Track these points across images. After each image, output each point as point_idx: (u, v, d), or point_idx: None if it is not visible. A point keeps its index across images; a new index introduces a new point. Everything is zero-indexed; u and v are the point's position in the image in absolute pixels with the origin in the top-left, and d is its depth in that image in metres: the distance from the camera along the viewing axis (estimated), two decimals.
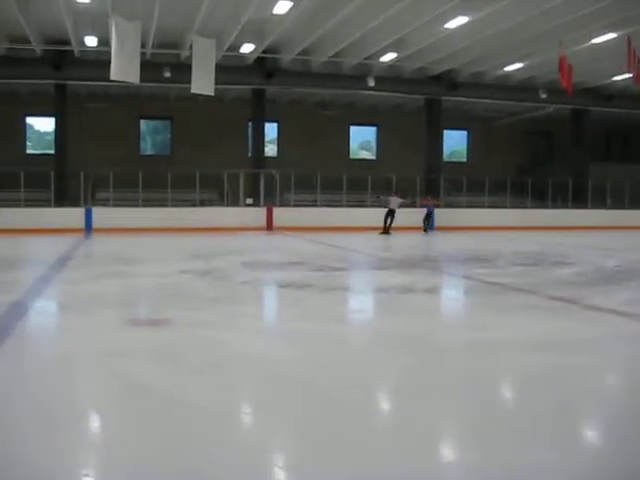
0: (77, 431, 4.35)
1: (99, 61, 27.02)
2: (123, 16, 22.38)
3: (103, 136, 35.88)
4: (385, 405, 5.19)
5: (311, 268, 14.10)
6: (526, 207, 35.96)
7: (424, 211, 30.03)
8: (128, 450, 3.94)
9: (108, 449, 4.04)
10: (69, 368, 5.97)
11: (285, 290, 10.94)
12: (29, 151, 38.45)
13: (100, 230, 26.37)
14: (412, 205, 29.58)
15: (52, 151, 33.73)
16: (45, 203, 28.68)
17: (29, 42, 26.75)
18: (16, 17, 23.64)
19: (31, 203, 28.47)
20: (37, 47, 27.59)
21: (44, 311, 9.35)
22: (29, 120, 38.96)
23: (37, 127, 39.98)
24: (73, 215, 27.24)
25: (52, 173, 29.29)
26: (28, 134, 39.08)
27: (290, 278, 12.16)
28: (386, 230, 27.35)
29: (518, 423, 4.51)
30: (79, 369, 6.02)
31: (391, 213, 27.54)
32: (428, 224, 29.91)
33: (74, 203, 28.67)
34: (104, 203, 29.50)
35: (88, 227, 26.97)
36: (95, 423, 4.62)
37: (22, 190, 28.38)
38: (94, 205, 28.41)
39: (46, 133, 39.78)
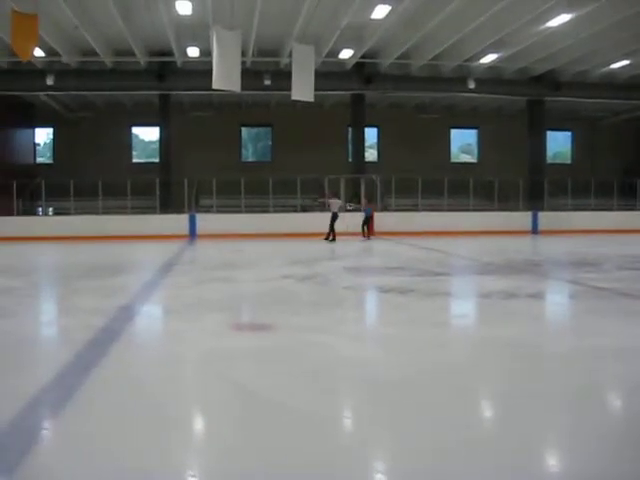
0: (183, 433, 4.40)
1: (201, 71, 27.59)
2: (223, 26, 22.78)
3: (206, 144, 36.65)
4: (485, 410, 5.05)
5: (413, 273, 13.96)
6: (635, 209, 34.65)
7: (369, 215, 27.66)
8: (231, 452, 3.95)
9: (212, 450, 4.07)
10: (176, 371, 6.06)
11: (387, 295, 10.84)
12: (135, 160, 39.64)
13: (204, 236, 26.93)
14: (357, 209, 28.53)
15: (157, 159, 34.65)
16: (151, 210, 29.45)
17: (134, 55, 27.58)
18: (121, 31, 24.42)
19: (137, 210, 29.30)
20: (141, 59, 28.39)
21: (151, 315, 9.56)
22: (134, 130, 40.17)
23: (142, 136, 41.20)
24: (177, 221, 27.89)
25: (157, 181, 30.08)
26: (134, 143, 40.31)
27: (392, 283, 12.05)
28: (329, 236, 25.33)
29: (626, 433, 4.30)
30: (185, 372, 6.10)
31: (334, 217, 25.41)
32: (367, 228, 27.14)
33: (178, 210, 29.35)
34: (207, 209, 30.09)
35: (192, 233, 27.56)
36: (200, 425, 4.68)
37: (129, 198, 29.27)
38: (198, 211, 29.01)
39: (151, 142, 40.95)
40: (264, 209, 30.76)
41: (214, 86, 22.47)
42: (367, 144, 37.44)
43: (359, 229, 26.77)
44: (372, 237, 26.92)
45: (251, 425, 4.45)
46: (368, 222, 27.04)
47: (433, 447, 4.01)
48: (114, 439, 4.25)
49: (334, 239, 25.02)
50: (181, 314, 9.10)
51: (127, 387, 5.53)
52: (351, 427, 4.63)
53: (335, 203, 25.71)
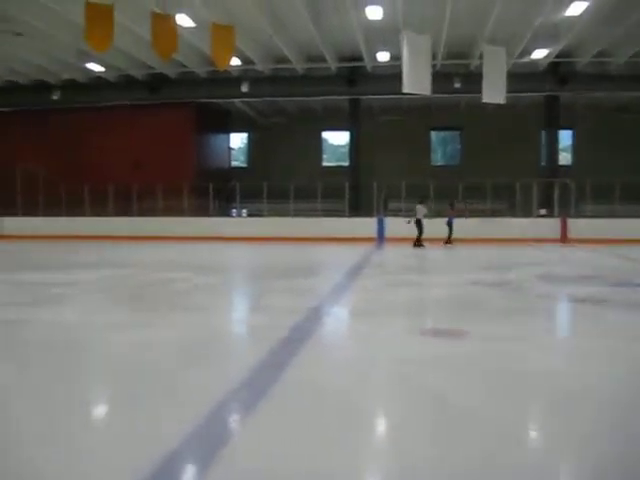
0: (371, 436, 4.37)
1: (391, 75, 27.71)
2: (414, 30, 22.75)
3: (395, 148, 36.81)
4: None
5: (609, 283, 13.23)
6: None
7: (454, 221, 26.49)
8: (420, 460, 3.87)
9: (392, 454, 4.00)
10: (365, 373, 6.05)
11: (582, 305, 10.34)
12: (325, 163, 40.45)
13: (391, 239, 26.97)
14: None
15: (346, 163, 35.15)
16: (340, 213, 29.92)
17: (324, 60, 28.14)
18: (312, 38, 25.00)
19: (327, 213, 29.86)
20: (332, 65, 28.92)
21: (340, 317, 9.65)
22: (324, 134, 41.01)
23: (331, 141, 41.97)
24: (366, 225, 28.12)
25: (346, 184, 30.51)
26: (323, 147, 41.16)
27: (587, 292, 11.48)
28: (417, 241, 24.64)
29: None
30: (374, 375, 6.08)
31: (418, 223, 24.55)
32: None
33: (367, 213, 29.60)
34: (396, 213, 30.11)
35: (380, 236, 27.68)
36: (388, 430, 4.62)
37: (319, 201, 29.90)
38: (386, 215, 29.11)
39: (339, 146, 41.65)
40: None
41: (404, 90, 22.47)
42: (560, 147, 36.05)
43: (548, 236, 26.01)
44: (449, 245, 25.83)
45: (442, 432, 4.35)
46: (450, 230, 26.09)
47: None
48: (303, 440, 4.28)
49: (421, 244, 24.51)
50: (370, 317, 9.12)
51: (317, 388, 5.58)
52: (541, 440, 4.40)
53: (420, 210, 24.66)
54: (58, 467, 3.92)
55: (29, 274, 14.75)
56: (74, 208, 30.74)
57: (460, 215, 27.33)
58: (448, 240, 25.58)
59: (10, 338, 7.83)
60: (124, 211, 29.96)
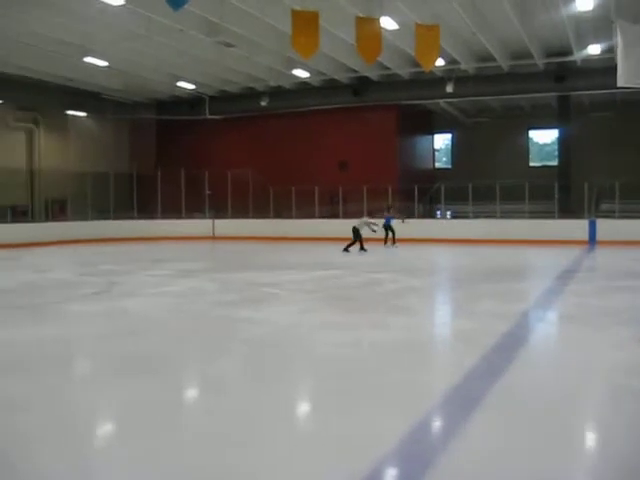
0: (574, 447, 4.12)
1: (603, 69, 26.32)
2: (628, 19, 21.47)
3: (607, 145, 34.96)
4: None
5: None
6: None
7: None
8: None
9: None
10: (581, 382, 5.75)
11: None
12: (531, 163, 39.24)
13: (604, 243, 25.64)
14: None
15: (553, 163, 33.73)
16: (548, 215, 28.85)
17: (531, 57, 27.25)
18: (518, 34, 24.26)
19: (535, 215, 28.89)
20: (539, 61, 27.96)
21: (553, 323, 9.29)
22: (531, 133, 39.80)
23: (535, 139, 40.62)
24: (576, 227, 26.92)
25: (555, 184, 29.40)
26: (529, 147, 39.93)
27: None
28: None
29: None
30: (589, 383, 5.76)
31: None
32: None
33: (577, 215, 28.35)
34: (608, 215, 28.60)
35: (591, 239, 26.40)
36: (594, 442, 4.33)
37: (526, 202, 29.00)
38: (597, 217, 27.73)
39: (545, 145, 40.23)
40: None
41: (619, 84, 21.21)
42: None
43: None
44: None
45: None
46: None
47: None
48: (515, 450, 4.12)
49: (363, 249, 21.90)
50: (585, 324, 8.70)
51: (530, 395, 5.38)
52: None
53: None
54: (272, 466, 4.01)
55: (239, 274, 15.41)
56: (281, 210, 31.87)
57: (401, 217, 26.10)
58: (393, 240, 24.60)
59: (222, 335, 8.19)
60: (330, 212, 30.66)
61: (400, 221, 24.67)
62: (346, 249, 21.34)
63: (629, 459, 4.07)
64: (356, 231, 21.72)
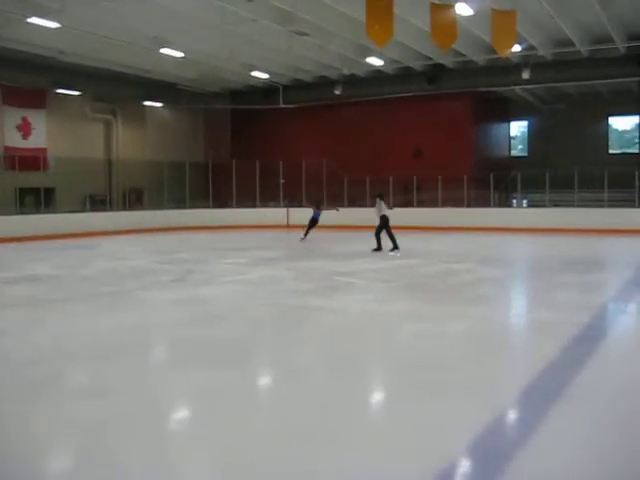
0: None
1: None
2: None
3: None
4: None
5: None
6: None
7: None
8: None
9: None
10: None
11: None
12: (610, 151, 38.25)
13: None
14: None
15: (634, 150, 32.75)
16: (628, 203, 28.10)
17: (612, 41, 26.51)
18: (598, 17, 23.60)
19: (614, 203, 28.16)
20: (620, 45, 27.19)
21: (634, 314, 9.04)
22: (610, 120, 38.77)
23: (615, 126, 39.52)
24: None
25: (635, 172, 28.59)
26: (609, 133, 38.90)
27: None
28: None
29: None
30: None
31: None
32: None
33: None
34: None
35: None
36: None
37: (605, 190, 28.28)
38: None
39: (624, 132, 39.12)
40: None
41: None
42: None
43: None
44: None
45: None
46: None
47: None
48: (596, 444, 4.02)
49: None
50: None
51: (613, 393, 5.25)
52: None
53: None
54: (348, 458, 4.00)
55: (315, 262, 15.46)
56: (356, 199, 31.79)
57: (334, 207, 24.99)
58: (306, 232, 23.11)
59: (298, 323, 8.22)
60: (405, 201, 30.46)
61: (335, 210, 24.06)
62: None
63: None
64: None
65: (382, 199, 18.46)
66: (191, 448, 4.22)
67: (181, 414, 5.12)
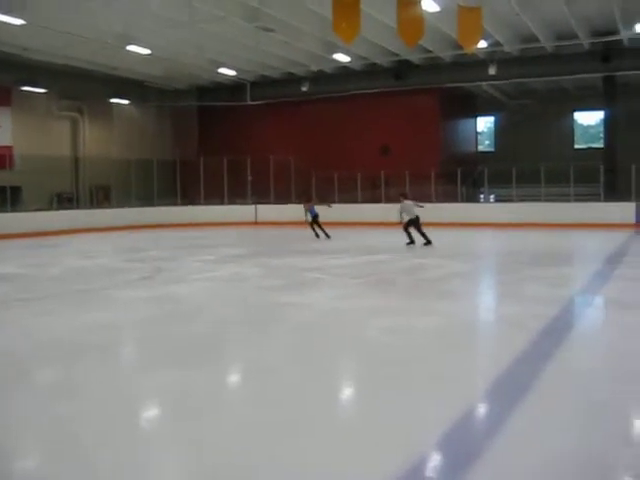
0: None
1: None
2: None
3: None
4: None
5: None
6: None
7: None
8: None
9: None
10: (624, 369, 5.68)
11: None
12: (576, 145, 38.68)
13: None
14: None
15: (598, 145, 33.13)
16: (594, 198, 28.43)
17: (576, 37, 26.77)
18: (563, 14, 23.81)
19: (580, 198, 28.48)
20: (584, 41, 27.47)
21: (602, 308, 9.16)
22: (576, 115, 39.19)
23: (580, 121, 39.98)
24: (622, 210, 26.46)
25: (601, 167, 28.93)
26: (574, 128, 39.33)
27: None
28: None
29: None
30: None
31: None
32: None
33: (624, 197, 27.87)
34: None
35: (638, 223, 25.94)
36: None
37: (571, 185, 28.58)
38: None
39: (589, 127, 39.60)
40: None
41: None
42: None
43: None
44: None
45: None
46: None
47: None
48: (565, 434, 4.08)
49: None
50: (635, 307, 8.55)
51: (581, 384, 5.33)
52: None
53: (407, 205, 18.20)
54: (316, 453, 4.02)
55: (283, 259, 15.45)
56: (324, 195, 31.87)
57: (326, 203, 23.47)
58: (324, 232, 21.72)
59: (268, 320, 8.22)
60: (373, 197, 30.55)
61: (327, 206, 22.96)
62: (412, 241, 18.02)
63: None
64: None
65: (407, 198, 18.24)
66: (160, 446, 4.21)
67: (150, 412, 5.10)
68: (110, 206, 30.78)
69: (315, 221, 21.55)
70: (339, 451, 4.00)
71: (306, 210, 21.47)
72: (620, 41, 27.33)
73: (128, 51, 24.56)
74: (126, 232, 26.24)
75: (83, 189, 31.07)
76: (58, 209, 28.00)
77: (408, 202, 18.12)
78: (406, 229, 17.97)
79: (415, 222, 17.83)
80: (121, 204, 30.48)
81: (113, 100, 32.03)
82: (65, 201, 29.54)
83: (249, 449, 4.04)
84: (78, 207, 29.76)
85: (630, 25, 25.75)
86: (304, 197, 23.46)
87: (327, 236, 21.26)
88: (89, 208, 30.08)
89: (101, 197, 31.69)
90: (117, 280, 12.12)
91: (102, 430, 4.45)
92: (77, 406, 4.94)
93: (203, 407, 4.89)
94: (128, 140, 33.16)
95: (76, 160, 31.02)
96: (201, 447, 4.12)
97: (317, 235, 21.45)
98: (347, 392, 5.59)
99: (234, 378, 6.12)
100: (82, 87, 29.85)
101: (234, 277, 12.32)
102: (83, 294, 10.43)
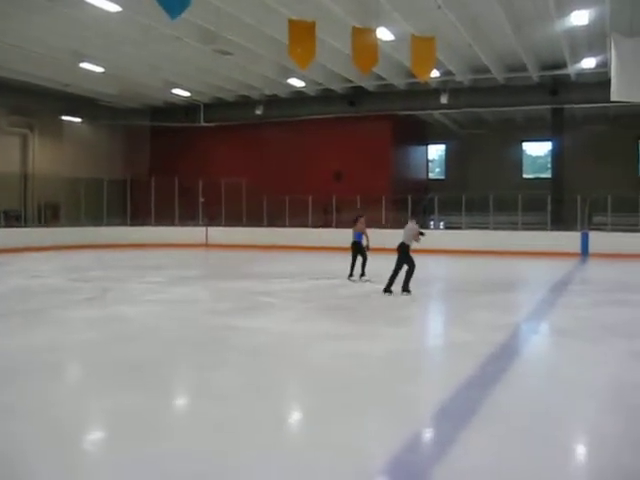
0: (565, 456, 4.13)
1: (596, 83, 26.49)
2: (623, 34, 21.58)
3: (599, 158, 35.04)
4: None
5: None
6: None
7: None
8: None
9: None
10: (576, 396, 5.77)
11: None
12: (525, 175, 39.36)
13: (596, 255, 25.68)
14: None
15: (546, 175, 33.74)
16: (541, 226, 28.93)
17: (525, 70, 27.37)
18: (513, 47, 24.35)
19: (528, 226, 28.97)
20: (533, 74, 28.08)
21: (547, 334, 9.30)
22: (525, 145, 39.92)
23: (529, 152, 40.72)
24: (568, 239, 26.98)
25: (548, 197, 29.48)
26: (523, 159, 40.03)
27: None
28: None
29: None
30: (590, 398, 5.77)
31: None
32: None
33: (570, 227, 28.42)
34: (600, 227, 28.69)
35: (584, 252, 26.45)
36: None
37: (519, 213, 29.06)
38: (590, 229, 27.81)
39: (538, 157, 40.36)
40: None
41: (613, 98, 21.31)
42: None
43: None
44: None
45: None
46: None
47: None
48: (511, 459, 4.13)
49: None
50: (581, 336, 8.71)
51: (526, 408, 5.40)
52: None
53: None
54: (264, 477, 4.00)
55: (233, 282, 15.36)
56: (275, 219, 31.85)
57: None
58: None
59: (217, 343, 8.17)
60: (324, 221, 30.65)
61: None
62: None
63: (620, 470, 4.09)
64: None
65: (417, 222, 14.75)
66: (99, 472, 4.14)
67: (89, 437, 5.01)
68: (59, 225, 30.28)
69: (358, 249, 15.92)
70: (289, 476, 3.98)
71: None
72: (568, 75, 27.97)
73: (81, 68, 24.34)
74: (75, 252, 25.84)
75: (32, 207, 30.58)
76: (5, 227, 27.47)
77: (409, 225, 14.52)
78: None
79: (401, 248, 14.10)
80: (70, 223, 30.02)
81: (65, 117, 31.65)
82: (12, 219, 29.00)
83: (192, 475, 3.99)
84: (26, 225, 29.27)
85: (577, 60, 26.40)
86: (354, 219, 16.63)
87: (360, 275, 15.66)
88: (37, 226, 29.56)
89: (50, 215, 31.17)
90: (61, 300, 11.93)
91: (37, 453, 4.36)
92: (10, 429, 4.84)
93: (142, 430, 4.82)
94: (79, 158, 32.74)
95: (25, 177, 30.55)
96: (139, 471, 4.06)
97: (351, 274, 15.75)
98: (296, 417, 5.58)
99: (178, 403, 6.04)
100: (33, 103, 29.43)
101: (183, 300, 12.21)
102: (27, 314, 10.24)
